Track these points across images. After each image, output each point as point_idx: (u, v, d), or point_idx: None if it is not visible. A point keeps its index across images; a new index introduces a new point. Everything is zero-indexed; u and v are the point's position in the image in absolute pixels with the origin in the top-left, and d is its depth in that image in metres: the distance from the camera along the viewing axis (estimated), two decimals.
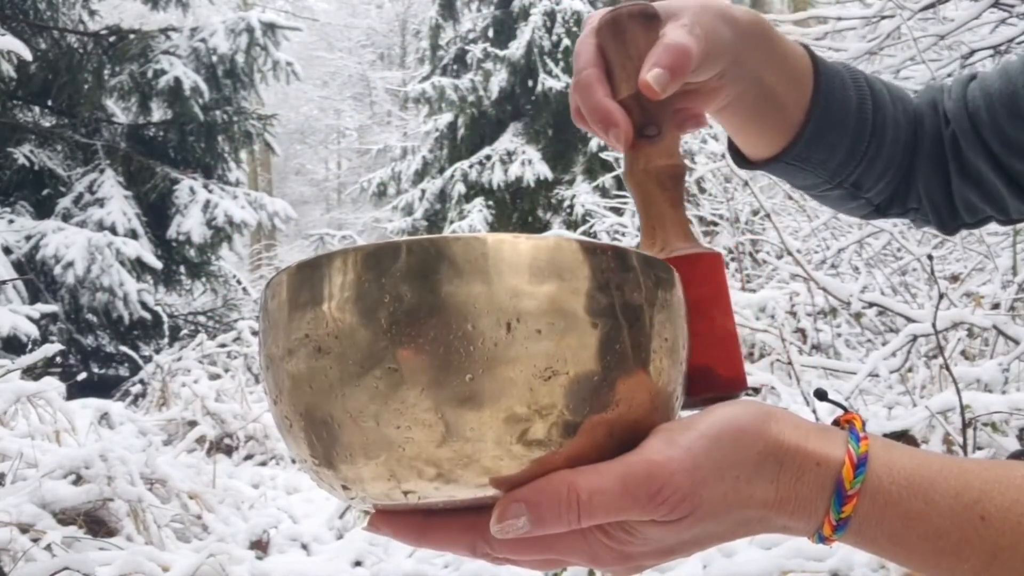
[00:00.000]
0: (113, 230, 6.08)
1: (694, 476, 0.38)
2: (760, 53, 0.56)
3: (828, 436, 0.41)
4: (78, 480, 2.32)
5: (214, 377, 4.50)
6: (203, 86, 6.72)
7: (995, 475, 0.39)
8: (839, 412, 0.45)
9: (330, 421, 0.39)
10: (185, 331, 6.84)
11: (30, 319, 4.24)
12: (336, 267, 0.38)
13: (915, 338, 2.34)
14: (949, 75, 2.44)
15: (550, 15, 9.58)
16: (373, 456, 0.38)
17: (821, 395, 0.47)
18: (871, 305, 2.82)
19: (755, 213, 4.51)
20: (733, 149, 0.67)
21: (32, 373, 3.53)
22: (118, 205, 6.25)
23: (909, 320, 2.47)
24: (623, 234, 4.78)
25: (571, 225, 7.67)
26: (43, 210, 6.31)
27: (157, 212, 6.63)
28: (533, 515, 0.38)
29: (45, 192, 6.40)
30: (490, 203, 9.36)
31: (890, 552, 0.40)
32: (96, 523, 2.29)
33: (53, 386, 2.80)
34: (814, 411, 1.87)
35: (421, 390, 0.37)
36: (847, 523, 0.39)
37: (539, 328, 0.37)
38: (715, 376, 0.48)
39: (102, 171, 6.41)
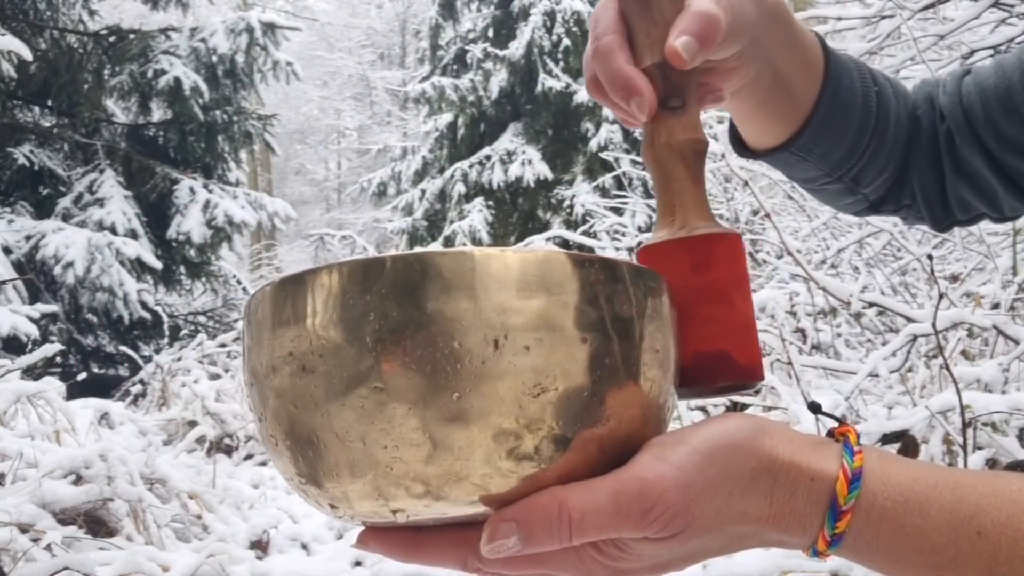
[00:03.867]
0: (113, 230, 6.08)
1: (686, 493, 0.38)
2: (778, 35, 0.54)
3: (822, 450, 0.40)
4: (78, 480, 2.32)
5: (214, 377, 4.50)
6: (203, 86, 6.72)
7: (991, 489, 0.39)
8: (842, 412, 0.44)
9: (315, 440, 0.38)
10: (185, 331, 6.84)
11: (30, 319, 4.24)
12: (320, 283, 0.38)
13: (915, 338, 2.33)
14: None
15: (550, 15, 9.58)
16: (360, 475, 0.38)
17: (815, 408, 0.46)
18: (871, 305, 2.82)
19: (755, 213, 4.51)
20: (735, 137, 0.65)
21: (32, 373, 3.53)
22: (118, 205, 6.25)
23: (909, 320, 2.47)
24: (623, 234, 4.78)
25: (571, 225, 7.66)
26: (43, 210, 6.31)
27: (157, 212, 6.63)
28: (524, 534, 0.37)
29: (45, 192, 6.40)
30: (490, 203, 9.36)
31: (886, 567, 0.40)
32: (96, 523, 2.29)
33: (53, 386, 2.80)
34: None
35: (408, 409, 0.36)
36: (841, 538, 0.39)
37: (527, 344, 0.36)
38: (733, 363, 0.46)
39: (102, 171, 6.41)
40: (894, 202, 0.67)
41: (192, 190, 6.63)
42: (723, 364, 0.46)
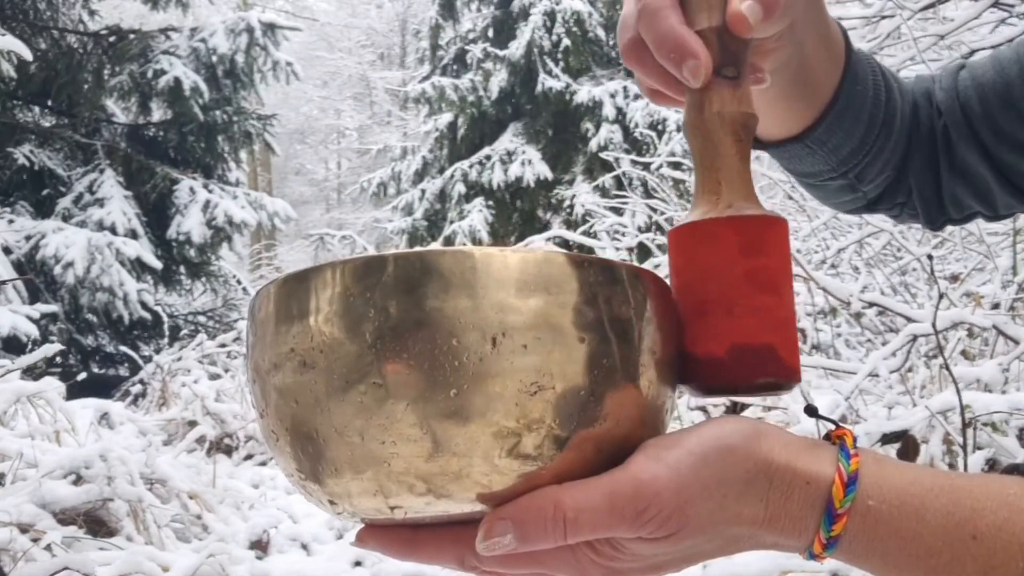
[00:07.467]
0: (113, 230, 6.08)
1: (681, 494, 0.38)
2: (811, 17, 0.52)
3: (818, 453, 0.40)
4: (78, 480, 2.32)
5: (214, 377, 4.50)
6: (203, 86, 6.72)
7: (988, 492, 0.39)
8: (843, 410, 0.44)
9: (315, 436, 0.38)
10: (185, 331, 6.84)
11: (30, 319, 4.25)
12: (323, 280, 0.38)
13: (915, 338, 2.33)
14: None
15: (550, 15, 9.58)
16: (359, 471, 0.38)
17: (812, 411, 0.46)
18: (871, 305, 2.82)
19: None
20: None
21: (32, 373, 3.53)
22: (118, 205, 6.25)
23: (909, 320, 2.47)
24: (623, 234, 4.78)
25: (571, 225, 7.66)
26: (43, 210, 6.31)
27: (157, 212, 6.64)
28: (519, 532, 0.38)
29: (45, 192, 6.40)
30: (490, 203, 9.37)
31: (881, 570, 0.40)
32: (96, 523, 2.29)
33: (53, 386, 2.80)
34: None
35: (406, 405, 0.36)
36: (837, 541, 0.39)
37: (525, 343, 0.37)
38: (777, 359, 0.42)
39: (102, 171, 6.41)
40: (890, 200, 0.67)
41: (192, 190, 6.63)
42: (766, 360, 0.42)
